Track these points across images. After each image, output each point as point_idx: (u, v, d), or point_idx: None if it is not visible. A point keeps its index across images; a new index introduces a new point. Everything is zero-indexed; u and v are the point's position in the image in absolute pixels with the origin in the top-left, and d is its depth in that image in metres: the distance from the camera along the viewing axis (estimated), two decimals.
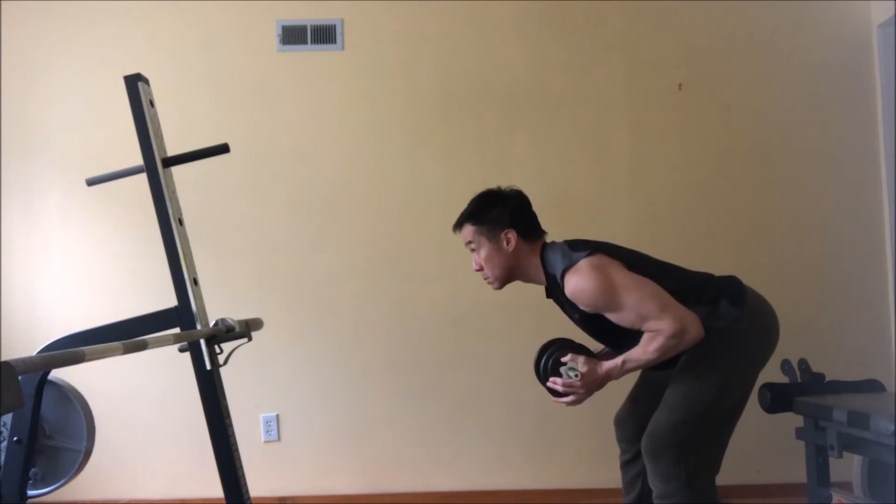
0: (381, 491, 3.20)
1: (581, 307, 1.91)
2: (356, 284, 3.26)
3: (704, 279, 2.02)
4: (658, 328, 1.82)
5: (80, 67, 3.29)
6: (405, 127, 3.30)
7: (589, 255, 1.91)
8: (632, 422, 2.14)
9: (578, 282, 1.88)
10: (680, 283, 1.95)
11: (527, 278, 2.06)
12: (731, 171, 3.30)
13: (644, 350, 1.85)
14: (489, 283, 2.08)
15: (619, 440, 2.20)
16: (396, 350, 3.25)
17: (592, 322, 1.96)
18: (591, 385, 1.92)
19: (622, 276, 1.87)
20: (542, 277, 2.02)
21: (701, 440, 1.90)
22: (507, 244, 2.01)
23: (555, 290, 2.00)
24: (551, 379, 1.96)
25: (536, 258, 2.02)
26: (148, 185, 2.05)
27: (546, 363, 1.99)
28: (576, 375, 1.91)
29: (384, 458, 3.23)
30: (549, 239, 2.08)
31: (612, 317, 1.88)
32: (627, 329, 1.90)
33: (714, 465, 1.94)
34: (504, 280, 2.06)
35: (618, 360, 1.90)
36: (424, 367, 3.24)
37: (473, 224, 2.04)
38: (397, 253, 3.27)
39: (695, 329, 1.83)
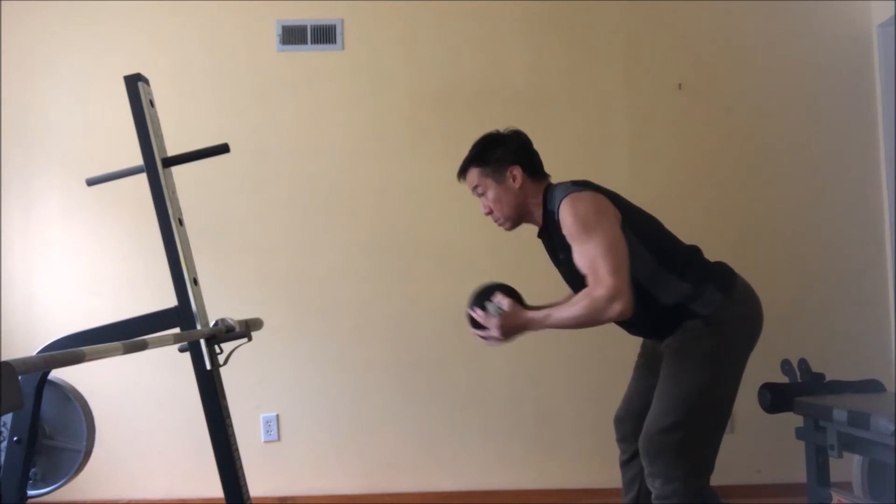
0: (382, 491, 3.20)
1: (563, 232, 1.91)
2: (356, 284, 3.26)
3: (694, 253, 2.02)
4: (595, 285, 1.80)
5: (80, 67, 3.29)
6: (405, 127, 3.30)
7: (593, 191, 1.93)
8: (629, 420, 2.14)
9: (571, 204, 1.89)
10: (673, 249, 1.96)
11: (533, 219, 2.07)
12: (731, 171, 3.31)
13: (570, 308, 1.84)
14: (500, 224, 2.09)
15: (618, 440, 2.20)
16: (397, 350, 3.25)
17: (569, 257, 1.96)
18: (508, 328, 1.93)
19: (609, 221, 1.87)
20: (542, 217, 2.03)
21: (697, 439, 1.89)
22: (514, 181, 2.02)
23: (548, 226, 2.00)
24: (474, 307, 1.99)
25: (540, 197, 2.03)
26: (148, 185, 2.05)
27: (480, 295, 2.02)
28: (499, 313, 1.93)
29: (384, 458, 3.23)
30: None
31: (574, 248, 1.88)
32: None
33: (711, 462, 1.93)
34: (514, 220, 2.07)
35: (541, 312, 1.91)
36: (425, 367, 3.24)
37: (478, 166, 2.05)
38: (398, 253, 3.27)
39: (622, 302, 1.77)
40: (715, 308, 1.89)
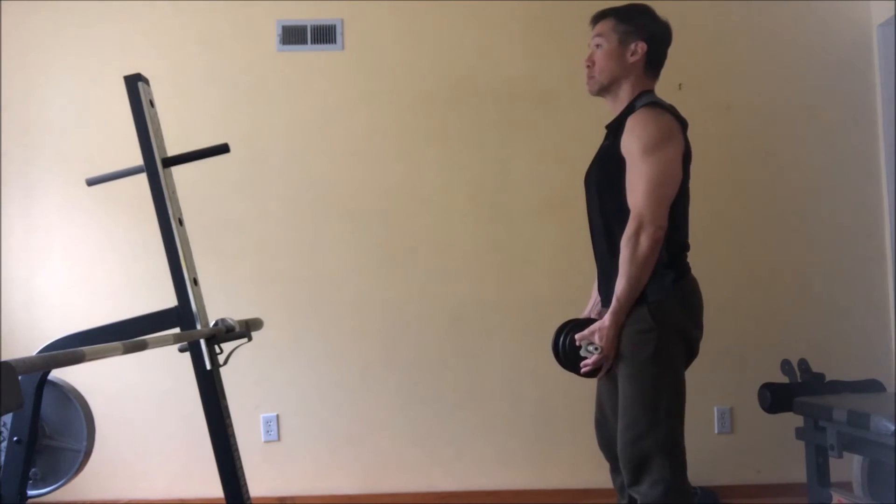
0: (381, 491, 3.20)
1: (623, 139, 1.90)
2: (356, 284, 3.26)
3: (685, 240, 2.01)
4: (630, 220, 1.82)
5: (80, 67, 3.29)
6: (405, 127, 3.30)
7: (678, 123, 1.93)
8: (606, 426, 2.11)
9: (649, 117, 1.89)
10: (677, 223, 1.95)
11: (616, 100, 2.05)
12: (731, 171, 3.30)
13: (620, 276, 1.84)
14: (590, 79, 2.06)
15: (600, 447, 2.17)
16: (396, 350, 3.25)
17: (606, 162, 1.95)
18: (612, 343, 1.88)
19: (670, 150, 1.89)
20: (622, 109, 2.01)
21: (670, 436, 1.87)
22: (632, 55, 1.99)
23: (618, 121, 1.99)
24: (582, 364, 1.93)
25: (636, 91, 2.00)
26: (148, 185, 2.05)
27: (566, 353, 1.96)
28: (596, 349, 1.89)
29: (384, 458, 3.23)
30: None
31: (630, 166, 1.88)
32: (614, 206, 1.91)
33: (685, 457, 1.92)
34: (604, 86, 2.04)
35: (613, 303, 1.87)
36: (424, 367, 3.24)
37: (617, 19, 2.03)
38: (397, 252, 3.27)
39: (648, 234, 1.80)
40: (662, 296, 1.87)
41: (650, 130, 1.88)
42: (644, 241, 1.81)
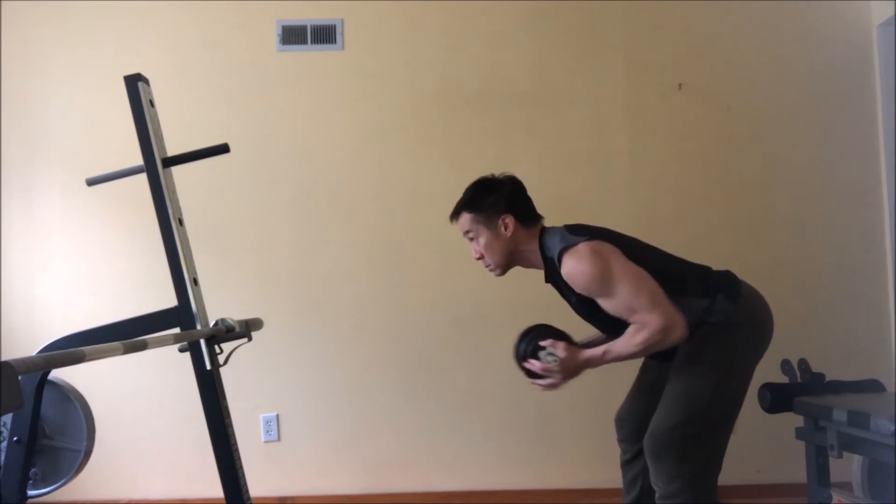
0: (382, 491, 3.20)
1: (578, 290, 1.91)
2: (357, 284, 3.26)
3: (703, 271, 2.02)
4: (646, 321, 1.82)
5: (80, 67, 3.29)
6: (405, 127, 3.30)
7: (588, 239, 1.91)
8: (631, 420, 2.14)
9: (575, 264, 1.88)
10: (679, 273, 1.95)
11: (527, 263, 2.07)
12: (730, 171, 3.30)
13: (628, 342, 1.85)
14: (490, 270, 2.08)
15: (620, 440, 2.20)
16: (397, 350, 3.25)
17: (588, 305, 1.96)
18: (569, 371, 1.91)
19: (620, 265, 1.87)
20: (542, 262, 2.02)
21: (702, 439, 1.90)
22: (506, 230, 2.01)
23: (553, 273, 2.00)
24: (529, 360, 1.95)
25: (535, 243, 2.02)
26: (148, 185, 2.05)
27: (526, 347, 1.98)
28: (554, 360, 1.90)
29: (384, 458, 3.23)
30: (547, 224, 2.08)
31: (603, 303, 1.89)
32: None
33: (716, 463, 1.94)
34: (505, 266, 2.07)
35: (598, 349, 1.89)
36: (425, 367, 3.24)
37: (470, 212, 2.05)
38: (398, 252, 3.27)
39: (680, 328, 1.82)
40: (725, 316, 1.90)
41: (589, 271, 1.87)
42: (674, 337, 1.82)
